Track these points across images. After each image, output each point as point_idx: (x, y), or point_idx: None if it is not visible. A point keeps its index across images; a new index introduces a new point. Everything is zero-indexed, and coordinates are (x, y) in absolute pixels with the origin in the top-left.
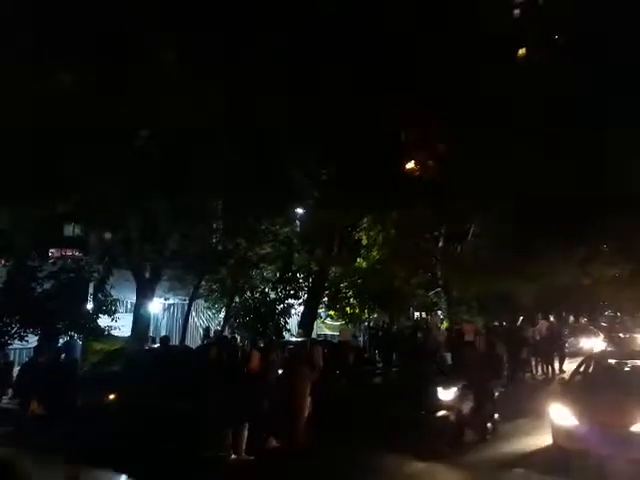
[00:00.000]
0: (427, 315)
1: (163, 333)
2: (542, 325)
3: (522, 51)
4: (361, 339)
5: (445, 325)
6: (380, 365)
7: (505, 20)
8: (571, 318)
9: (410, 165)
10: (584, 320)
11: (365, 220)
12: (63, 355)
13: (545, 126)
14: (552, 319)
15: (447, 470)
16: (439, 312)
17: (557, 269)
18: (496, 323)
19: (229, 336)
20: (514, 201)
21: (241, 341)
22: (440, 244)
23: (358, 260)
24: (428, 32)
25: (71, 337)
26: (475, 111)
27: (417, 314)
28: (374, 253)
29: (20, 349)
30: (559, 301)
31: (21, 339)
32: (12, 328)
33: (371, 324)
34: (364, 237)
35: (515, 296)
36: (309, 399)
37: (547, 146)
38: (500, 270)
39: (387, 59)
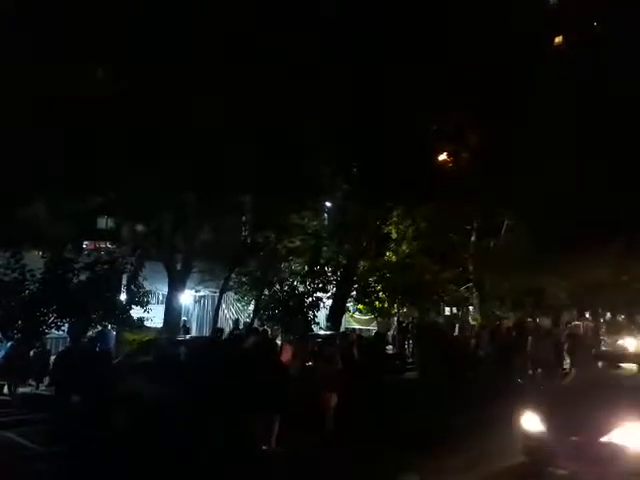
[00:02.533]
0: (458, 310)
1: (194, 325)
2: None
3: (559, 39)
4: (390, 333)
5: (479, 321)
6: (410, 360)
7: (541, 8)
8: (608, 315)
9: (442, 157)
10: (621, 317)
11: (395, 213)
12: (98, 345)
13: (581, 117)
14: (588, 316)
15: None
16: (470, 308)
17: (593, 265)
18: (529, 319)
19: (260, 328)
20: (549, 195)
21: (271, 333)
22: (472, 238)
23: (387, 254)
24: (461, 21)
25: (104, 327)
26: (509, 102)
27: (448, 309)
28: (404, 247)
29: (56, 338)
30: (595, 298)
31: (58, 328)
32: (49, 318)
33: (400, 319)
34: (394, 231)
35: (550, 292)
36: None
37: (584, 138)
38: (534, 266)
39: (418, 48)
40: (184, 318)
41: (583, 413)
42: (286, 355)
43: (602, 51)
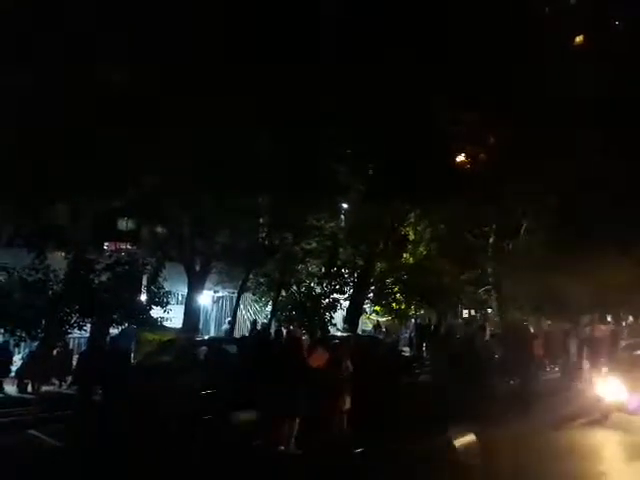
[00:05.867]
0: (476, 313)
1: (212, 325)
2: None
3: (579, 38)
4: (407, 335)
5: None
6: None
7: (561, 5)
8: (630, 319)
9: (460, 158)
10: None
11: (412, 215)
12: (118, 344)
13: (603, 116)
14: (609, 320)
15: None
16: (489, 310)
17: (615, 267)
18: (549, 322)
19: (283, 329)
20: (569, 196)
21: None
22: (491, 240)
23: (405, 256)
24: (481, 20)
25: (128, 326)
26: (528, 102)
27: (466, 311)
28: (421, 249)
29: (79, 338)
30: (617, 301)
31: (80, 328)
32: (72, 317)
33: (418, 321)
34: (411, 232)
35: (570, 295)
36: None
37: (606, 137)
38: (554, 268)
39: (436, 48)
40: (228, 319)
41: None
42: (319, 359)
43: (622, 50)
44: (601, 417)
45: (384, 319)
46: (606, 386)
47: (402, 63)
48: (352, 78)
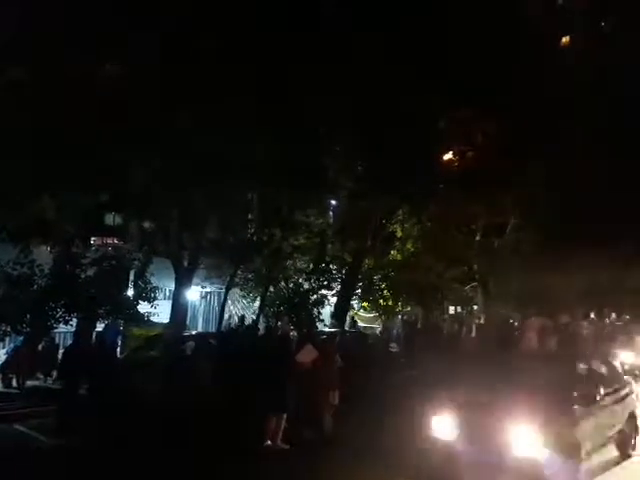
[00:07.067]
0: (462, 309)
1: (200, 321)
2: None
3: (566, 39)
4: (395, 332)
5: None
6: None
7: (548, 7)
8: (613, 315)
9: (448, 156)
10: (626, 317)
11: (400, 212)
12: (105, 338)
13: (589, 115)
14: (592, 316)
15: None
16: (475, 306)
17: (599, 267)
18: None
19: (272, 325)
20: (556, 195)
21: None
22: (477, 237)
23: (392, 252)
24: (468, 19)
25: (113, 320)
26: (515, 101)
27: (452, 308)
28: (409, 245)
29: (65, 332)
30: (601, 299)
31: (66, 323)
32: (57, 312)
33: (404, 317)
34: (399, 229)
35: (554, 292)
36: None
37: (592, 137)
38: (539, 265)
39: (423, 46)
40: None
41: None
42: (309, 356)
43: (609, 50)
44: (428, 470)
45: (370, 315)
46: (440, 422)
47: (396, 61)
48: (346, 75)
